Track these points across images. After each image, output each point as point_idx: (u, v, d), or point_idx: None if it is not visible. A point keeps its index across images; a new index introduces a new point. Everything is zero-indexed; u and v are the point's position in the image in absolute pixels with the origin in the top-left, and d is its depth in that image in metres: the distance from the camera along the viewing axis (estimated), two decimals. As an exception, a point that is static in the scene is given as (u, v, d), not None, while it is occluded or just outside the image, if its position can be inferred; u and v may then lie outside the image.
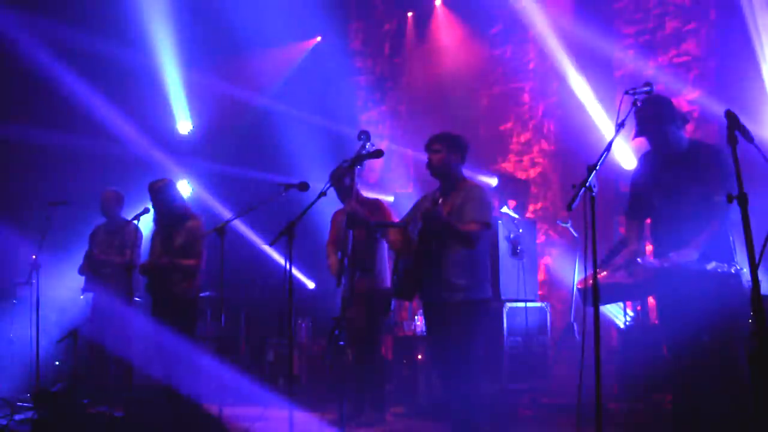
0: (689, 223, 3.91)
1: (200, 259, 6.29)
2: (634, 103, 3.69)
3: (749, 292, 3.69)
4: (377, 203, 6.21)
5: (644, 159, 4.29)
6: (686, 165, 4.03)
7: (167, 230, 6.38)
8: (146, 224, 6.81)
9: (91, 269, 7.36)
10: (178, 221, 6.35)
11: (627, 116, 3.64)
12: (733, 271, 3.75)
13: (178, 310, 6.24)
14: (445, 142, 4.82)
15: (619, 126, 3.60)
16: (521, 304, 6.55)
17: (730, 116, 3.07)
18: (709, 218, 3.82)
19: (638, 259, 3.98)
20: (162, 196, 6.32)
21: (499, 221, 6.59)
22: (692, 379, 3.90)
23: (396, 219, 5.78)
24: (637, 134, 4.06)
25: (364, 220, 5.66)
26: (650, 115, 3.97)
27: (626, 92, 3.69)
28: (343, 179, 5.84)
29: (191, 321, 6.36)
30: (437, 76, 9.55)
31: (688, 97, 7.27)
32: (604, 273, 4.19)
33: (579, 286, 4.32)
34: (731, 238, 3.88)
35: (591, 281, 4.07)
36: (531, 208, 8.60)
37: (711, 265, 3.76)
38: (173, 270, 6.23)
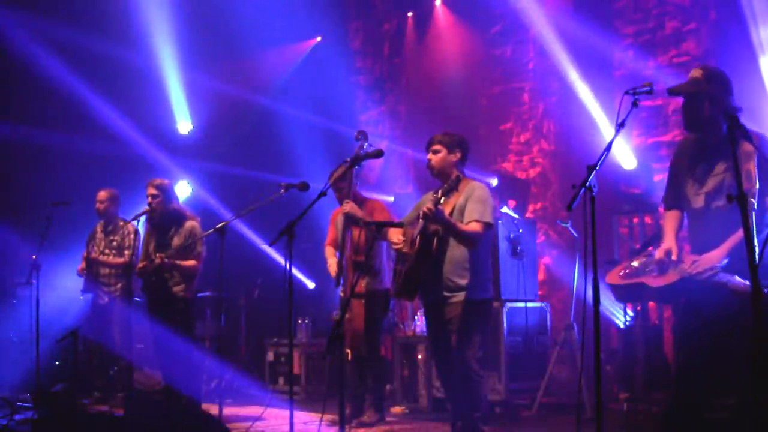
0: (723, 220, 3.71)
1: (200, 261, 6.29)
2: (634, 104, 3.66)
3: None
4: (376, 203, 6.21)
5: (681, 144, 4.08)
6: (723, 155, 3.78)
7: (162, 231, 6.37)
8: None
9: (89, 270, 7.36)
10: (174, 222, 6.34)
11: (627, 116, 3.63)
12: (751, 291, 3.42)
13: (175, 311, 6.24)
14: (445, 142, 4.82)
15: (619, 126, 3.58)
16: (521, 304, 6.55)
17: (730, 116, 3.06)
18: (741, 219, 3.66)
19: (667, 259, 3.80)
20: (161, 194, 6.32)
21: (499, 221, 6.59)
22: (696, 385, 3.79)
23: (395, 219, 5.78)
24: (687, 110, 3.80)
25: (362, 220, 5.68)
26: (709, 94, 3.72)
27: (626, 92, 3.66)
28: (341, 181, 5.84)
29: (190, 321, 6.36)
30: (437, 76, 9.55)
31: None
32: (636, 263, 4.00)
33: (610, 282, 4.17)
34: (757, 249, 3.43)
35: (620, 277, 4.03)
36: (531, 208, 8.59)
37: (733, 280, 3.55)
38: (172, 271, 6.23)
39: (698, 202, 3.88)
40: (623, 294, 4.10)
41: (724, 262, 3.65)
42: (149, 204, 6.33)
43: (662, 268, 3.84)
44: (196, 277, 6.31)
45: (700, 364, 3.79)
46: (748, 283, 3.46)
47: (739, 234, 3.60)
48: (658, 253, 3.87)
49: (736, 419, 3.70)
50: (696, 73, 3.83)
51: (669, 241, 3.89)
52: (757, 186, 3.60)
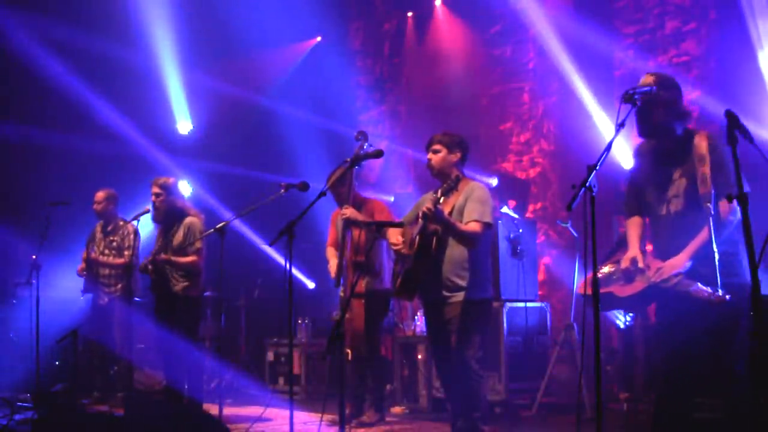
0: (684, 225, 3.75)
1: (200, 257, 6.27)
2: (633, 103, 3.66)
3: (737, 316, 3.60)
4: (376, 204, 6.21)
5: (640, 150, 4.10)
6: (678, 159, 3.83)
7: (167, 229, 6.39)
8: (146, 224, 6.81)
9: (89, 271, 7.36)
10: (177, 220, 6.35)
11: (627, 116, 3.63)
12: (714, 299, 3.44)
13: (180, 309, 6.24)
14: (444, 142, 4.82)
15: (619, 126, 3.58)
16: (521, 304, 6.55)
17: (730, 116, 3.06)
18: (701, 223, 3.62)
19: (633, 267, 3.79)
20: (164, 193, 6.32)
21: (499, 221, 6.58)
22: (677, 388, 3.81)
23: (395, 219, 5.78)
24: (641, 121, 3.81)
25: (362, 222, 5.67)
26: (663, 100, 3.74)
27: (626, 92, 3.67)
28: (340, 183, 5.83)
29: (194, 320, 6.35)
30: (437, 76, 9.55)
31: (688, 97, 7.23)
32: (605, 269, 4.00)
33: (579, 292, 4.18)
34: (717, 256, 3.47)
35: (589, 285, 4.04)
36: (531, 208, 8.59)
37: (695, 288, 3.53)
38: (173, 268, 6.23)
39: (660, 209, 3.90)
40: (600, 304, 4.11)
41: (688, 265, 3.66)
42: (153, 202, 6.35)
43: (628, 276, 3.83)
44: (199, 275, 6.29)
45: (681, 370, 3.80)
46: (710, 289, 3.47)
47: (701, 237, 3.64)
48: (624, 262, 3.86)
49: (725, 419, 3.73)
50: (647, 79, 3.84)
51: (634, 249, 3.89)
52: (713, 190, 3.62)
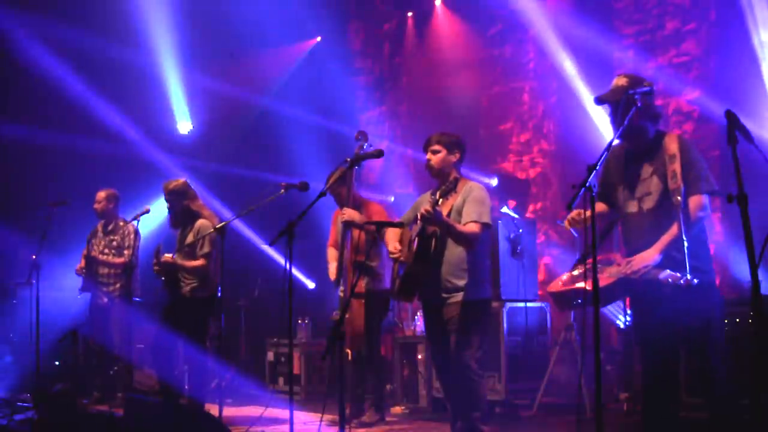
0: (654, 222, 3.80)
1: (208, 259, 6.25)
2: (634, 103, 3.67)
3: (708, 314, 3.67)
4: (375, 207, 6.20)
5: (613, 150, 4.08)
6: (649, 159, 3.88)
7: (182, 230, 6.41)
8: (146, 224, 6.81)
9: (88, 269, 7.36)
10: (189, 222, 6.35)
11: (628, 117, 3.64)
12: (682, 282, 3.52)
13: (186, 310, 6.24)
14: (443, 142, 4.82)
15: (620, 126, 3.59)
16: (521, 304, 6.55)
17: (730, 116, 3.06)
18: (671, 219, 3.69)
19: (601, 264, 3.83)
20: (171, 198, 6.32)
21: (499, 221, 6.58)
22: (656, 386, 3.84)
23: (394, 220, 5.78)
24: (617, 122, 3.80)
25: (362, 224, 5.66)
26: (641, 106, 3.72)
27: (626, 92, 3.68)
28: (340, 184, 5.83)
29: (200, 321, 6.33)
30: (437, 76, 9.55)
31: (688, 97, 7.27)
32: (576, 272, 4.07)
33: (550, 291, 4.22)
34: (686, 244, 3.58)
35: (560, 285, 4.08)
36: (531, 208, 8.59)
37: (664, 274, 3.61)
38: (181, 271, 6.23)
39: (631, 207, 3.94)
40: (563, 301, 4.14)
41: (658, 259, 3.70)
42: (168, 209, 6.36)
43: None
44: (208, 276, 6.28)
45: (658, 366, 3.84)
46: (678, 274, 3.54)
47: (671, 233, 3.69)
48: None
49: (710, 419, 3.75)
50: (620, 81, 3.87)
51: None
52: (682, 186, 3.66)
